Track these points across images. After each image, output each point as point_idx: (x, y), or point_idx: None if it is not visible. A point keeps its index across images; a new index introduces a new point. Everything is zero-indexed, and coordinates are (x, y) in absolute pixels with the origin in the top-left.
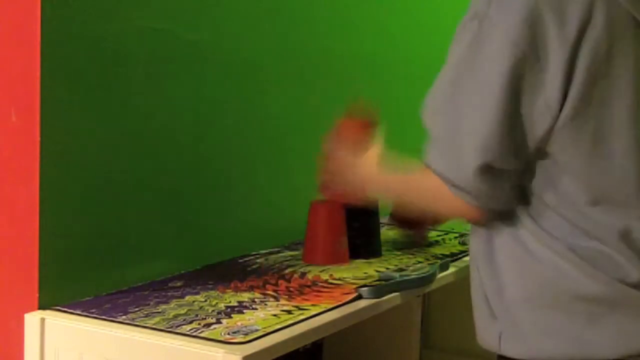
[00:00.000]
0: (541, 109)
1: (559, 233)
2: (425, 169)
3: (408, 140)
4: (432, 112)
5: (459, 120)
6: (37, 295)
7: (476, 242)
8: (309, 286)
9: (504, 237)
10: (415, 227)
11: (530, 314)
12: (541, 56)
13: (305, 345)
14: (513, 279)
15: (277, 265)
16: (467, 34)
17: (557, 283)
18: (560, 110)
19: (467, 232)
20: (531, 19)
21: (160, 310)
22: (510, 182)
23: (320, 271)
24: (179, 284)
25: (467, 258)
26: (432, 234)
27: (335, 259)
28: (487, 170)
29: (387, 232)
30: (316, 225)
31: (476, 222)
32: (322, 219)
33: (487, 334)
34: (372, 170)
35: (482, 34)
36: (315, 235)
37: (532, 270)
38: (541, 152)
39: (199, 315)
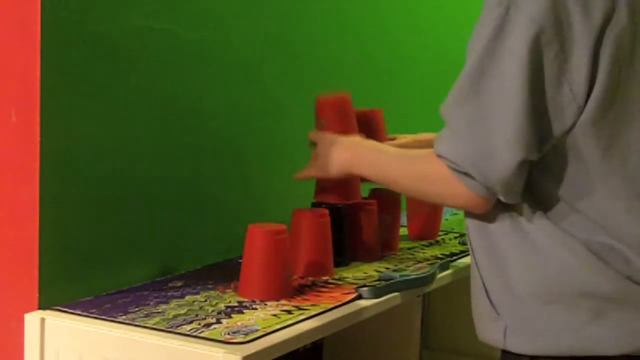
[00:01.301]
0: (567, 98)
1: (572, 228)
2: (430, 154)
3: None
4: (453, 103)
5: (484, 113)
6: (37, 295)
7: (475, 236)
8: (309, 286)
9: (507, 232)
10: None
11: (537, 309)
12: (566, 43)
13: (305, 345)
14: (519, 274)
15: None
16: (492, 21)
17: (565, 279)
18: (587, 99)
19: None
20: (557, 6)
21: (160, 310)
22: (526, 174)
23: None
24: (179, 284)
25: (467, 259)
26: None
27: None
28: (523, 164)
29: None
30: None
31: (475, 212)
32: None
33: (489, 330)
34: (360, 146)
35: (507, 20)
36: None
37: (539, 265)
38: (562, 144)
39: (199, 316)
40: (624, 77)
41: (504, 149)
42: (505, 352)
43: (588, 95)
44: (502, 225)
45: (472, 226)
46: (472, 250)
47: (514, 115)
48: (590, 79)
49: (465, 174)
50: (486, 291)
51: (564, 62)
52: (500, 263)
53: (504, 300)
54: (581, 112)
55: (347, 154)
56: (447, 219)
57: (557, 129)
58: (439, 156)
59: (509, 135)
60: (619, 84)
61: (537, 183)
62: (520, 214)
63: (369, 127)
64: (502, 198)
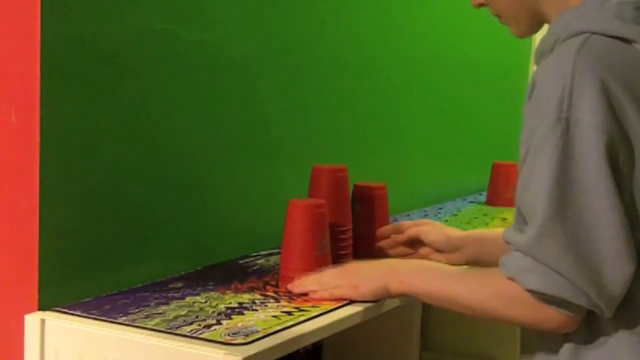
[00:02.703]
0: None
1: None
2: (503, 280)
3: (406, 143)
4: (535, 236)
5: (580, 237)
6: (37, 296)
7: (545, 354)
8: None
9: (594, 349)
10: None
11: None
12: (630, 136)
13: (306, 347)
14: None
15: (277, 266)
16: (553, 141)
17: None
18: None
19: None
20: (611, 105)
21: (160, 311)
22: None
23: None
24: (179, 285)
25: None
26: None
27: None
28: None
29: None
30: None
31: (565, 331)
32: None
33: None
34: (411, 265)
35: (572, 137)
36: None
37: None
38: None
39: (199, 317)
40: None
41: (613, 267)
42: None
43: None
44: (588, 340)
45: (535, 342)
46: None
47: (613, 231)
48: None
49: (559, 299)
50: None
51: (632, 165)
52: None
53: None
54: None
55: (407, 277)
56: (446, 220)
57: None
58: (529, 290)
59: (615, 251)
60: None
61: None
62: (603, 328)
63: (370, 203)
64: (607, 314)
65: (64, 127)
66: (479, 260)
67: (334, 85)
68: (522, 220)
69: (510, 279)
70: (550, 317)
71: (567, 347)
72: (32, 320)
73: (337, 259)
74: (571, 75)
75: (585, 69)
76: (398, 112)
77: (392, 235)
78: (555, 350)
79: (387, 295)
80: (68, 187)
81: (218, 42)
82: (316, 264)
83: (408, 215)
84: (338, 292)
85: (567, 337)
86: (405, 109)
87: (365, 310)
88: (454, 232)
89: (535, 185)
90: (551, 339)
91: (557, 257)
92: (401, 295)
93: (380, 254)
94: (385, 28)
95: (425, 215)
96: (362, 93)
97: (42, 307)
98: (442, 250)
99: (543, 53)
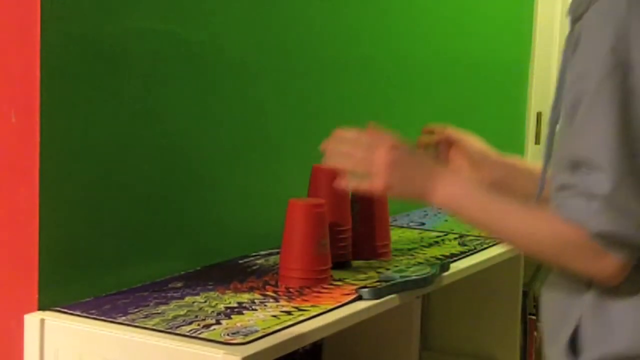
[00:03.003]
0: None
1: None
2: (557, 219)
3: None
4: (611, 178)
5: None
6: (37, 296)
7: (575, 294)
8: (309, 287)
9: (627, 291)
10: None
11: None
12: None
13: (305, 346)
14: (629, 336)
15: (277, 266)
16: (611, 85)
17: None
18: None
19: (466, 233)
20: None
21: (160, 311)
22: None
23: None
24: (178, 284)
25: (467, 259)
26: (432, 235)
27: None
28: None
29: None
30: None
31: (612, 282)
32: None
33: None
34: (469, 184)
35: (632, 78)
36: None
37: None
38: None
39: (198, 316)
40: None
41: None
42: None
43: None
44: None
45: (565, 280)
46: (564, 302)
47: None
48: None
49: (627, 242)
50: (579, 346)
51: None
52: (608, 322)
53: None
54: None
55: (454, 189)
56: (446, 220)
57: None
58: (596, 235)
59: None
60: None
61: None
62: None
63: (369, 203)
64: None
65: (64, 127)
66: (504, 187)
67: (334, 85)
68: (569, 167)
69: (570, 223)
70: (609, 264)
71: (591, 294)
72: (32, 320)
73: (336, 259)
74: (624, 19)
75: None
76: (398, 111)
77: (429, 132)
78: (579, 294)
79: (421, 200)
80: (68, 187)
81: (218, 42)
82: (316, 264)
83: (408, 215)
84: (370, 188)
85: (593, 284)
86: (405, 109)
87: (365, 309)
88: (492, 151)
89: (596, 133)
90: (576, 283)
91: (628, 197)
92: (438, 206)
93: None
94: (385, 28)
95: (425, 215)
96: (362, 93)
97: (42, 307)
98: (475, 163)
99: (580, 4)
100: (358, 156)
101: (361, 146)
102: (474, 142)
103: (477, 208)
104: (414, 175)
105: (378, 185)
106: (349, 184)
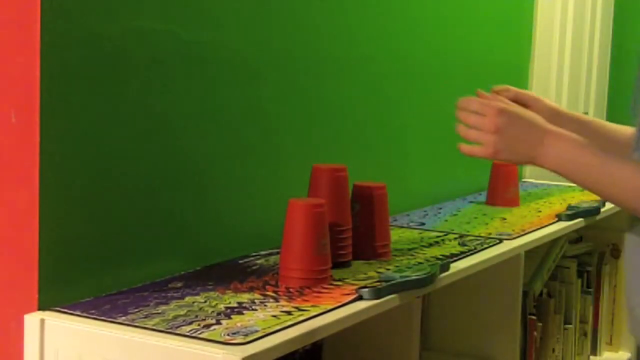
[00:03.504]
0: None
1: None
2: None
3: (406, 143)
4: None
5: None
6: (37, 296)
7: None
8: (309, 287)
9: None
10: None
11: None
12: None
13: (305, 346)
14: None
15: (277, 266)
16: None
17: None
18: None
19: (466, 233)
20: None
21: (160, 311)
22: None
23: None
24: (178, 284)
25: (467, 259)
26: (432, 235)
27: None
28: None
29: None
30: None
31: None
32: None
33: None
34: (577, 142)
35: None
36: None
37: None
38: None
39: (198, 316)
40: None
41: None
42: None
43: None
44: None
45: None
46: None
47: None
48: None
49: None
50: None
51: None
52: None
53: None
54: None
55: (563, 153)
56: (446, 220)
57: None
58: None
59: None
60: None
61: None
62: None
63: (370, 203)
64: None
65: (64, 127)
66: None
67: (334, 85)
68: None
69: None
70: None
71: None
72: (32, 320)
73: (336, 259)
74: None
75: None
76: (398, 112)
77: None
78: None
79: (530, 164)
80: (68, 187)
81: (218, 42)
82: (316, 264)
83: (408, 215)
84: (480, 153)
85: None
86: (405, 109)
87: (365, 309)
88: (563, 108)
89: None
90: None
91: None
92: (548, 169)
93: None
94: (385, 28)
95: (425, 215)
96: (362, 93)
97: (42, 307)
98: (548, 120)
99: None
100: (470, 122)
101: (472, 112)
102: (545, 100)
103: (588, 173)
104: (522, 141)
105: (486, 151)
106: (465, 150)
